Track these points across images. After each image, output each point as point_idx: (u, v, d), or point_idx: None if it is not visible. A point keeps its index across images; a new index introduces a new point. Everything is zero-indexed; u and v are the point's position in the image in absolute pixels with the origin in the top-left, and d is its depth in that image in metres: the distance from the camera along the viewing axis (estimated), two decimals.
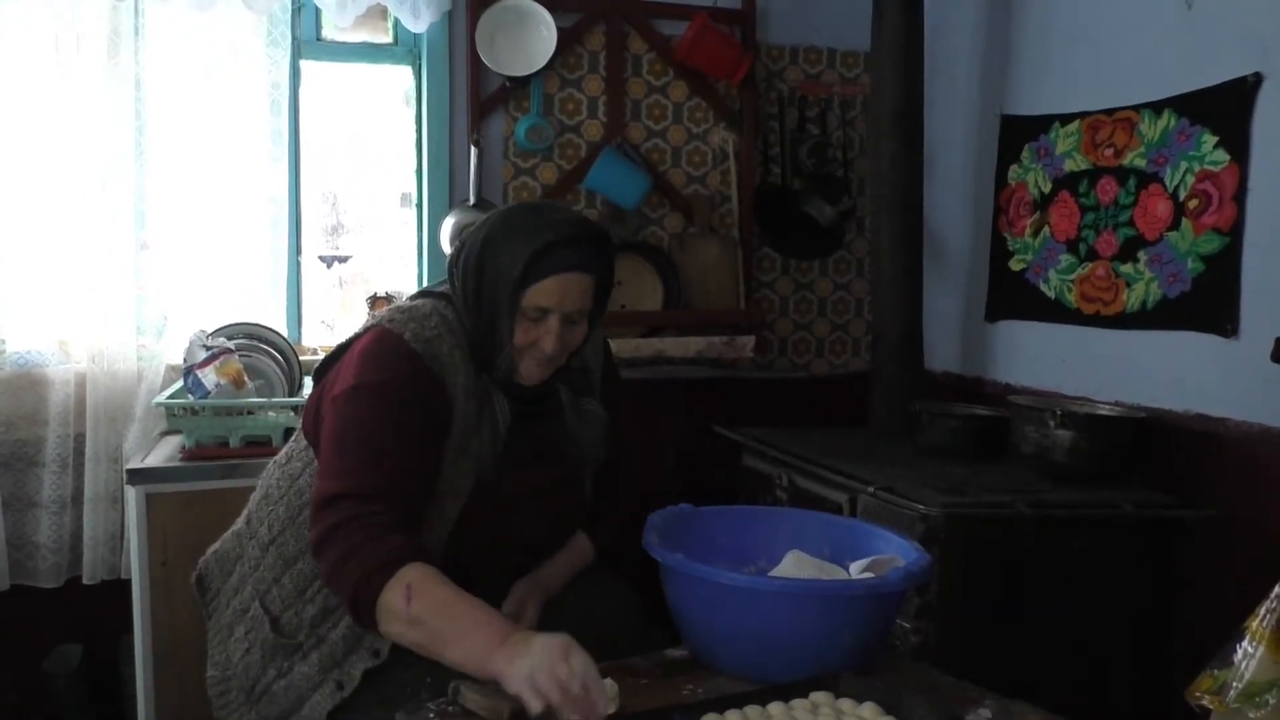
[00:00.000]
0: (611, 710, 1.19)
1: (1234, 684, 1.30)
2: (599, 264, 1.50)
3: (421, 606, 1.28)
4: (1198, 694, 1.34)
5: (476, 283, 1.48)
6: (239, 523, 1.69)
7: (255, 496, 1.67)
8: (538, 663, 1.17)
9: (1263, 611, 1.31)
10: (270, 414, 2.26)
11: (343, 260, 2.83)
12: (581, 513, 1.67)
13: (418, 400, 1.43)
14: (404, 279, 2.92)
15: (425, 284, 2.80)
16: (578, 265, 1.46)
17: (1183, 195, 2.22)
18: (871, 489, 2.10)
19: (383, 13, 2.74)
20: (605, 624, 1.56)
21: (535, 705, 1.16)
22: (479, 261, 1.48)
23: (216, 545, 1.72)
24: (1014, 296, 2.73)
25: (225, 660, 1.60)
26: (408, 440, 1.41)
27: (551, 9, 2.73)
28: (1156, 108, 2.29)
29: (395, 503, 1.37)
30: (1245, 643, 1.31)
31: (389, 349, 1.45)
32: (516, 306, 1.45)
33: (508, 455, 1.51)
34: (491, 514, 1.50)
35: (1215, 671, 1.33)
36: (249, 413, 2.24)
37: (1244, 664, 1.30)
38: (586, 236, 1.49)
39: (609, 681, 1.22)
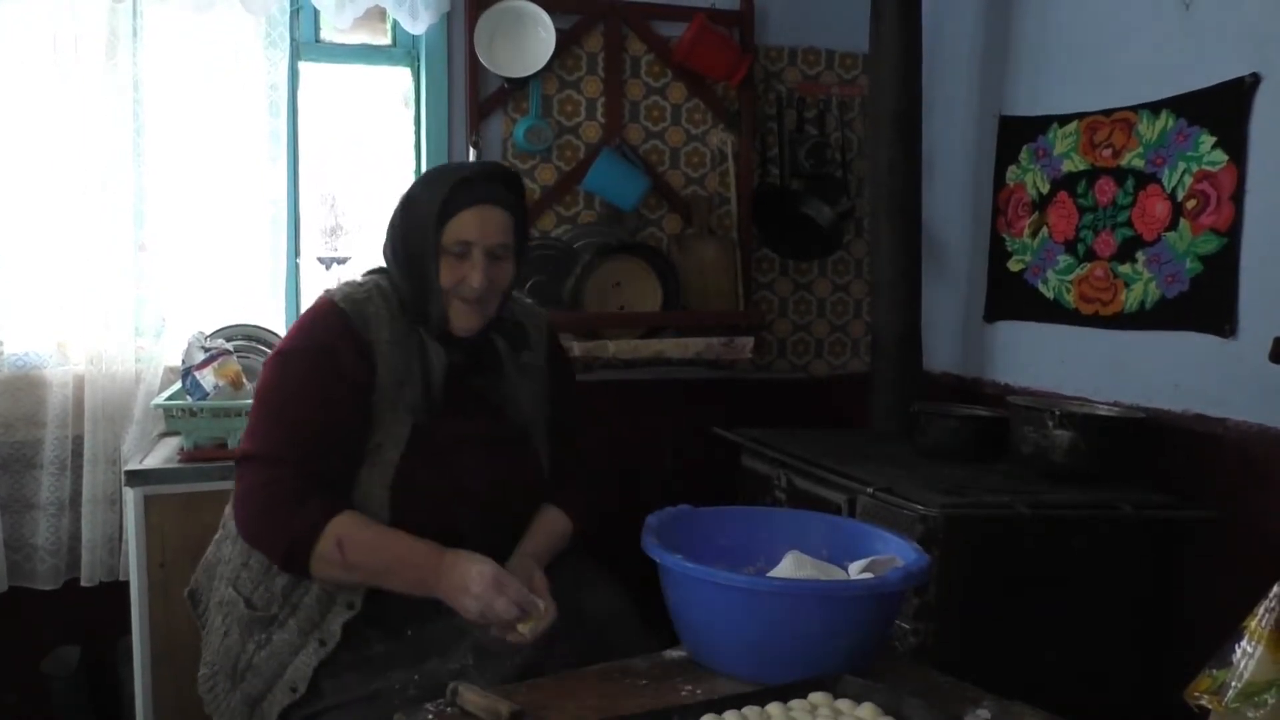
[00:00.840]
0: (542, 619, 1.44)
1: (1233, 684, 1.29)
2: (513, 201, 1.59)
3: (355, 554, 1.45)
4: (1196, 694, 1.34)
5: (402, 236, 1.58)
6: (219, 531, 1.74)
7: None
8: (482, 603, 1.41)
9: (1261, 611, 1.31)
10: None
11: (341, 262, 2.83)
12: (534, 474, 1.69)
13: (334, 362, 1.53)
14: None
15: None
16: (492, 199, 1.56)
17: (1181, 196, 2.23)
18: (870, 490, 2.10)
19: (381, 14, 2.73)
20: (596, 621, 1.57)
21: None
22: (402, 217, 1.60)
23: (203, 557, 1.77)
24: (1012, 297, 2.73)
25: (211, 654, 1.63)
26: (319, 403, 1.51)
27: (550, 10, 2.73)
28: (1154, 108, 2.29)
29: (301, 464, 1.49)
30: (1244, 642, 1.31)
31: (317, 312, 1.58)
32: (439, 245, 1.54)
33: (447, 405, 1.57)
34: (433, 460, 1.56)
35: (1214, 671, 1.33)
36: (247, 414, 2.23)
37: (1243, 664, 1.30)
38: (498, 174, 1.60)
39: (533, 622, 1.43)
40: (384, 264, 1.66)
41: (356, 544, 1.46)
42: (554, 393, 1.74)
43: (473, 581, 1.42)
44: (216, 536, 1.75)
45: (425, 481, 1.55)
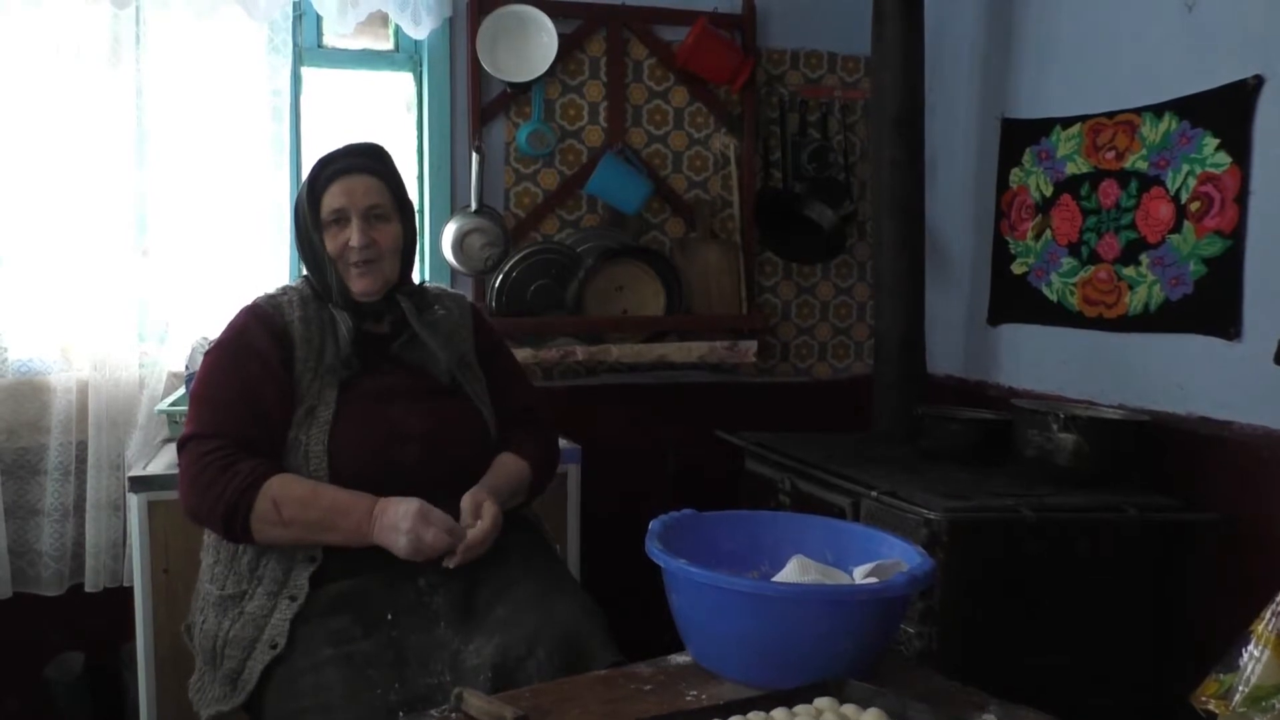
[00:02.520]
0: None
1: (1239, 688, 1.29)
2: (379, 167, 1.74)
3: (291, 509, 1.57)
4: (1203, 698, 1.34)
5: (295, 228, 1.76)
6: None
7: None
8: (411, 537, 1.54)
9: (1268, 615, 1.31)
10: None
11: None
12: (473, 418, 1.78)
13: (248, 347, 1.68)
14: None
15: None
16: (355, 169, 1.71)
17: (1184, 198, 2.22)
18: (874, 493, 2.10)
19: (384, 20, 2.74)
20: (568, 628, 1.57)
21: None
22: (294, 214, 1.76)
23: (195, 587, 1.82)
24: (1016, 300, 2.73)
25: (198, 656, 1.69)
26: (239, 382, 1.65)
27: (552, 15, 2.74)
28: (1158, 110, 2.29)
29: (228, 436, 1.61)
30: (1251, 646, 1.31)
31: (241, 311, 1.75)
32: (319, 220, 1.71)
33: (369, 368, 1.72)
34: (365, 413, 1.67)
35: (1221, 676, 1.33)
36: None
37: (1249, 668, 1.30)
38: (359, 149, 1.75)
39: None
40: None
41: (291, 500, 1.57)
42: (482, 350, 1.88)
43: (400, 519, 1.55)
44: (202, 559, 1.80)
45: (360, 433, 1.66)
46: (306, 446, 1.64)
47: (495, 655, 1.51)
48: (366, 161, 1.73)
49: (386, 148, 1.79)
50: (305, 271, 1.80)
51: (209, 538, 1.73)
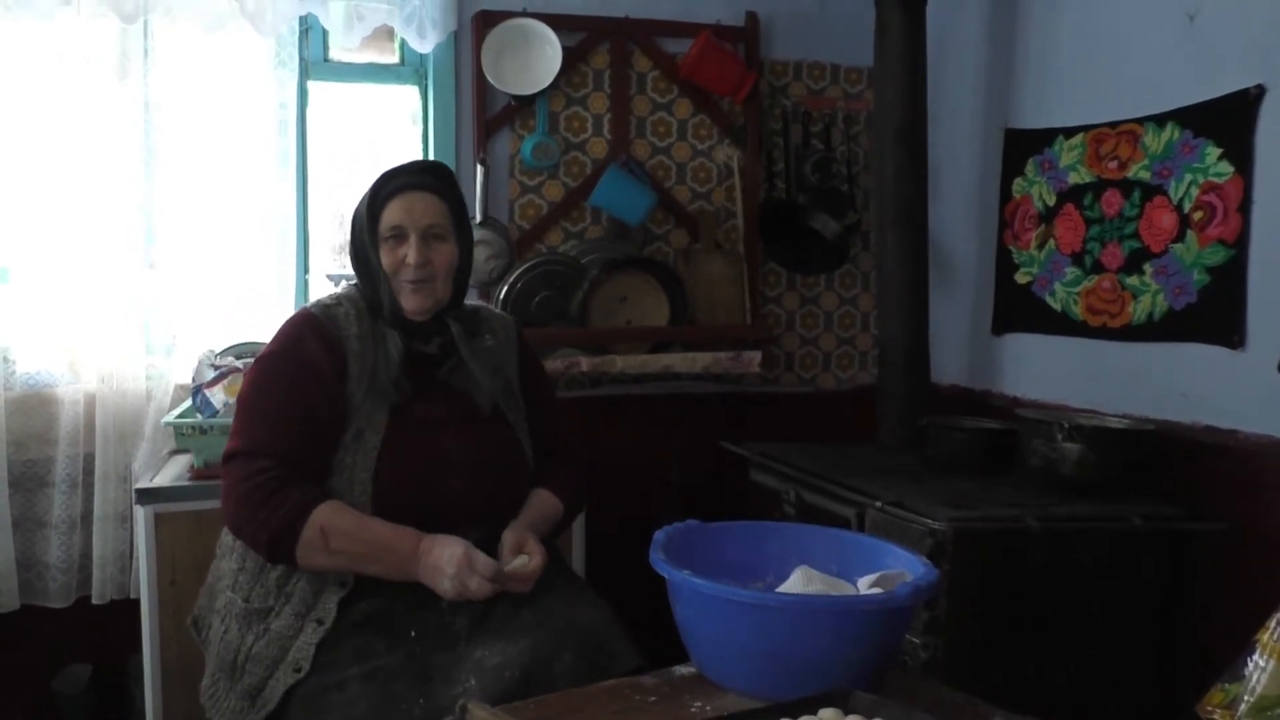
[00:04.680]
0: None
1: (1245, 698, 1.29)
2: (442, 187, 1.72)
3: (338, 541, 1.55)
4: (1209, 708, 1.33)
5: (352, 238, 1.74)
6: (216, 553, 1.80)
7: None
8: (456, 583, 1.52)
9: (1273, 624, 1.31)
10: None
11: (351, 279, 2.84)
12: (514, 449, 1.77)
13: (305, 361, 1.64)
14: None
15: None
16: (417, 185, 1.69)
17: (1187, 207, 2.22)
18: (879, 504, 2.10)
19: (389, 33, 2.75)
20: (589, 635, 1.59)
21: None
22: (352, 226, 1.74)
23: (204, 584, 1.82)
24: (1020, 309, 2.73)
25: (213, 661, 1.68)
26: (294, 398, 1.62)
27: (556, 28, 2.75)
28: (1160, 120, 2.29)
29: (281, 456, 1.58)
30: (1256, 656, 1.30)
31: (292, 319, 1.72)
32: (376, 234, 1.68)
33: (418, 392, 1.69)
34: (413, 441, 1.66)
35: (1226, 685, 1.32)
36: None
37: (1255, 677, 1.29)
38: (422, 166, 1.75)
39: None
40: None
41: (339, 531, 1.55)
42: (526, 380, 1.86)
43: (446, 563, 1.53)
44: (214, 561, 1.80)
45: (407, 461, 1.64)
46: (353, 472, 1.62)
47: (523, 656, 1.52)
48: (430, 180, 1.71)
49: (450, 167, 1.78)
50: (355, 280, 1.78)
51: (236, 543, 1.70)
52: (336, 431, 1.63)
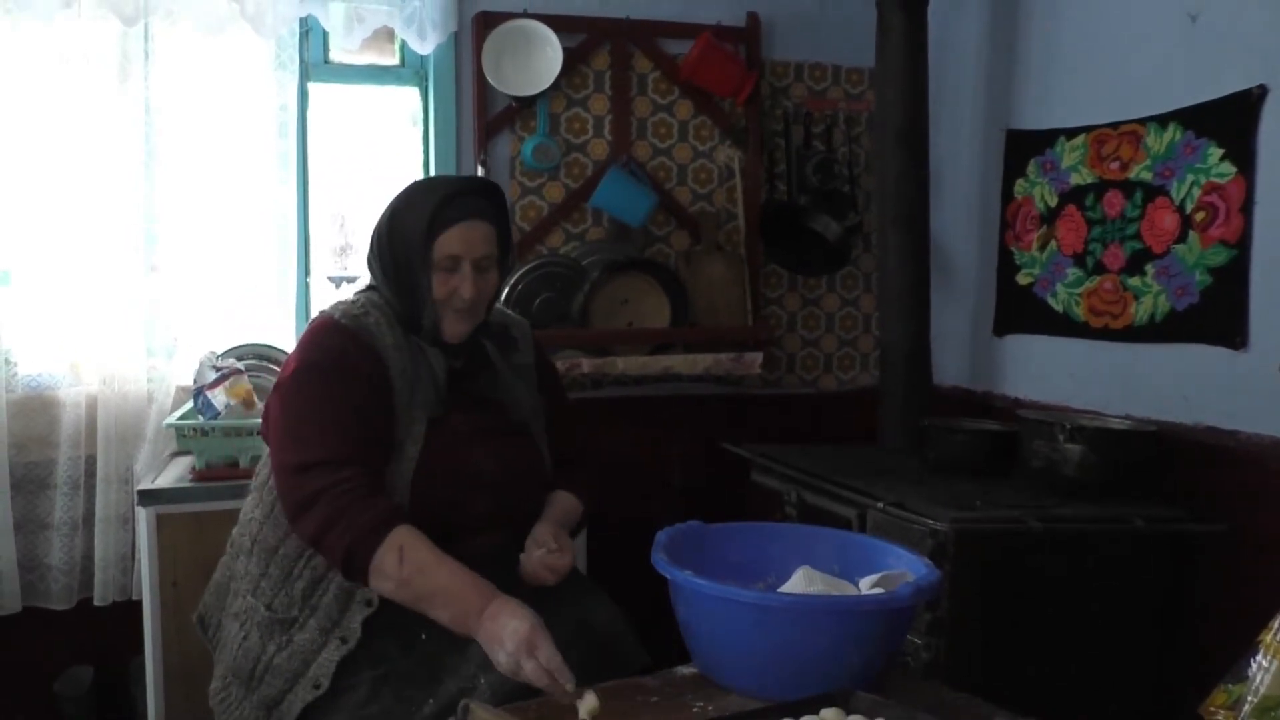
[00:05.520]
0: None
1: (1248, 699, 1.28)
2: (495, 214, 1.65)
3: (412, 570, 1.46)
4: (1212, 709, 1.33)
5: (390, 252, 1.63)
6: (225, 553, 1.77)
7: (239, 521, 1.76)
8: (512, 661, 1.38)
9: (1277, 625, 1.30)
10: None
11: (351, 280, 2.84)
12: (538, 462, 1.75)
13: (355, 370, 1.57)
14: None
15: None
16: (478, 213, 1.62)
17: (1189, 208, 2.22)
18: (881, 505, 2.10)
19: (389, 35, 2.76)
20: (600, 634, 1.59)
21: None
22: (389, 233, 1.64)
23: (211, 581, 1.79)
24: (1022, 311, 2.73)
25: (226, 664, 1.65)
26: (356, 409, 1.55)
27: (557, 29, 2.75)
28: (1162, 121, 2.29)
29: (362, 467, 1.52)
30: (1259, 657, 1.30)
31: (321, 329, 1.62)
32: (430, 259, 1.59)
33: (452, 403, 1.64)
34: (448, 452, 1.62)
35: (1229, 686, 1.32)
36: (258, 433, 2.24)
37: (1258, 678, 1.29)
38: (481, 188, 1.66)
39: (590, 694, 1.33)
40: (371, 279, 1.71)
41: (414, 562, 1.47)
42: (545, 390, 1.83)
43: (508, 638, 1.40)
44: (224, 558, 1.77)
45: (442, 472, 1.61)
46: (392, 482, 1.57)
47: None
48: (486, 205, 1.64)
49: (500, 187, 1.72)
50: (380, 288, 1.68)
51: (261, 545, 1.64)
52: (392, 440, 1.59)
